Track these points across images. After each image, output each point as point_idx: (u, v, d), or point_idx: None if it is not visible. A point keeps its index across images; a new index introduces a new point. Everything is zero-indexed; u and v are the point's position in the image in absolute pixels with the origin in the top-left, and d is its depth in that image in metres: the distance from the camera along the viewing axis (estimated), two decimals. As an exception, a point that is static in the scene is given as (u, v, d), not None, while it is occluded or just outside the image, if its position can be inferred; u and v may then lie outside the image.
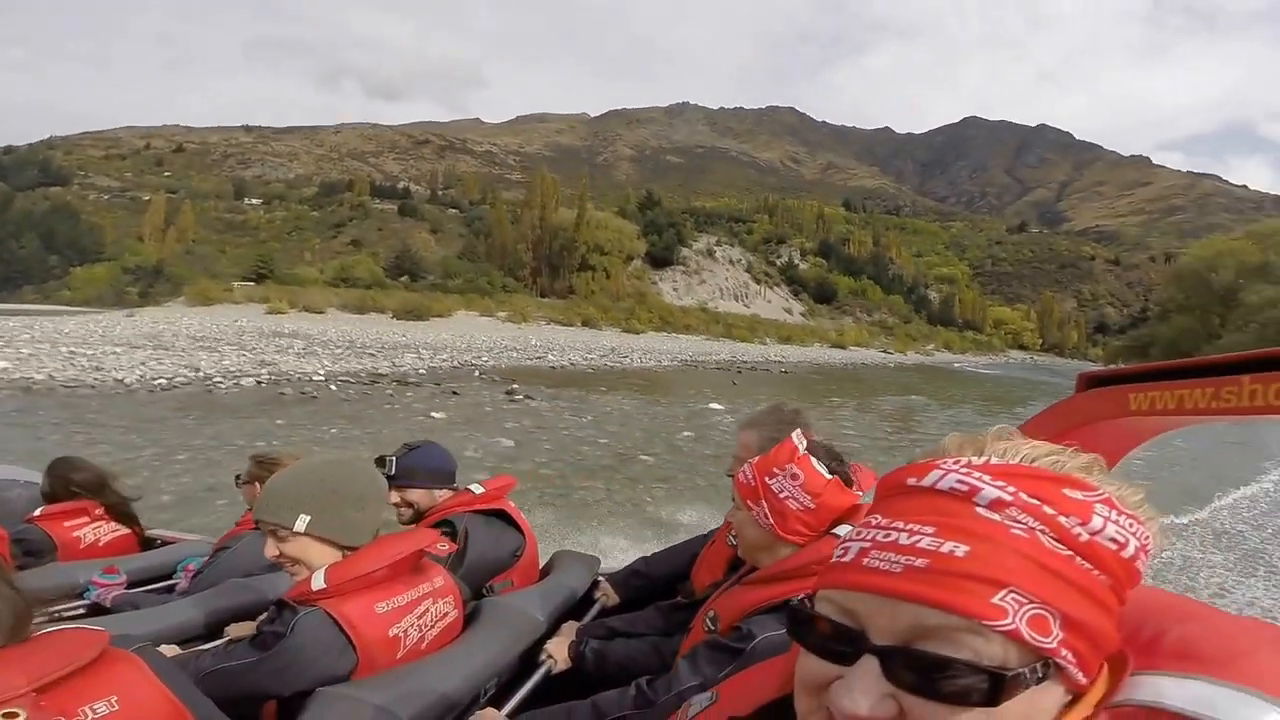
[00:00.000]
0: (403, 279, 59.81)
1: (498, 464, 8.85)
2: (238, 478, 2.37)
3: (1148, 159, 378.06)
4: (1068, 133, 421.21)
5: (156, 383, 14.00)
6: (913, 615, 0.45)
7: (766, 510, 1.23)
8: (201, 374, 15.43)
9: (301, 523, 1.32)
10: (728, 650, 1.20)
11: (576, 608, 1.98)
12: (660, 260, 73.60)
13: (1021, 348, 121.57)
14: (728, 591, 1.34)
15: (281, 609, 1.28)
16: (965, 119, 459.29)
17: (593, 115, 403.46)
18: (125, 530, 2.62)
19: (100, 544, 2.49)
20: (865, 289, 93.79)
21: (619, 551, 5.52)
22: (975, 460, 0.50)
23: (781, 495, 1.22)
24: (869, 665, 0.45)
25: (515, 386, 17.42)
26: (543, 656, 1.62)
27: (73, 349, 18.11)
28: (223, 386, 14.33)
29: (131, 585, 2.21)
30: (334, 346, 25.70)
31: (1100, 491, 0.47)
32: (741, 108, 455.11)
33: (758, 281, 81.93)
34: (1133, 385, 1.35)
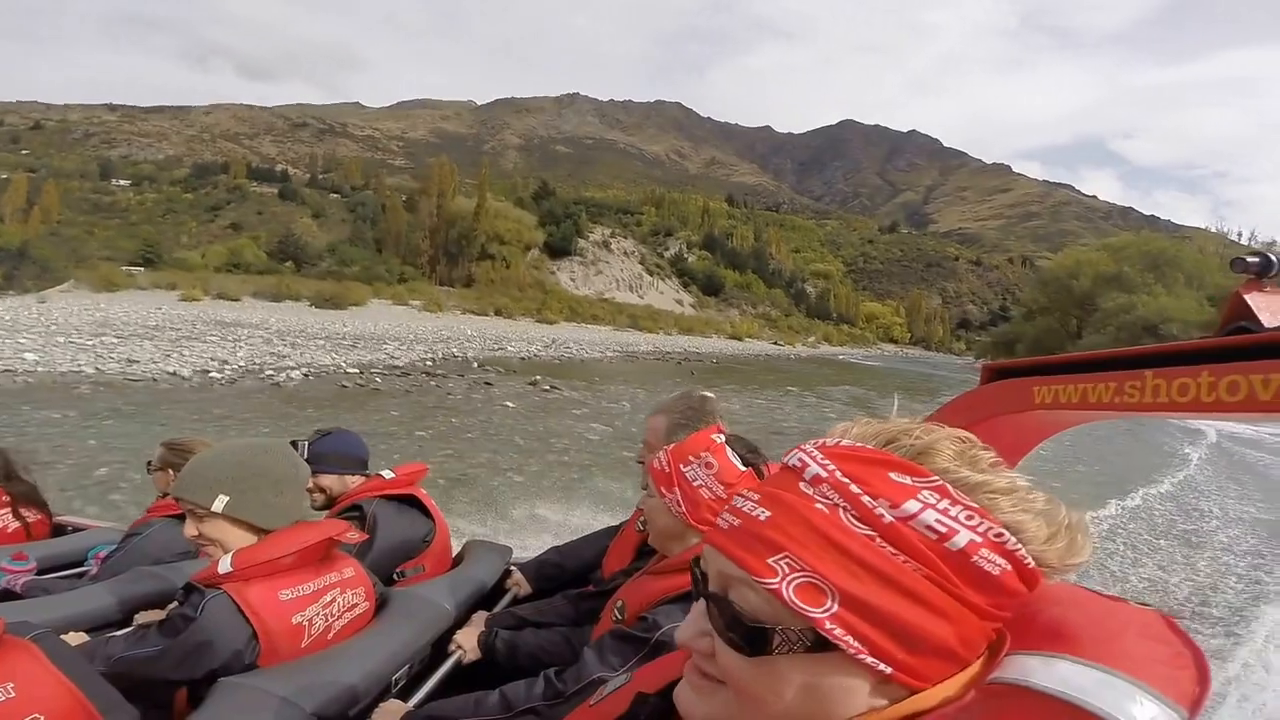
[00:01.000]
0: (287, 264, 61.13)
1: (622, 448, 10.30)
2: (149, 464, 2.34)
3: (1008, 167, 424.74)
4: (936, 139, 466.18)
5: (213, 375, 14.59)
6: (722, 565, 0.52)
7: (679, 497, 1.26)
8: (239, 367, 16.18)
9: (219, 503, 1.36)
10: (633, 640, 1.22)
11: (487, 597, 2.03)
12: (558, 251, 78.93)
13: (892, 341, 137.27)
14: (636, 581, 1.39)
15: (189, 592, 1.30)
16: (842, 121, 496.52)
17: (480, 103, 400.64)
18: (35, 516, 2.63)
19: (8, 530, 2.51)
20: (750, 283, 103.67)
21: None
22: (828, 442, 0.54)
23: (695, 483, 1.25)
24: (700, 606, 0.54)
25: (537, 378, 19.33)
26: (452, 647, 1.67)
27: (72, 339, 18.67)
28: (278, 379, 15.06)
29: (41, 572, 2.21)
30: (308, 338, 26.85)
31: (933, 479, 0.49)
32: (631, 101, 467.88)
33: (650, 273, 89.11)
34: (1037, 378, 1.47)
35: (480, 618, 1.81)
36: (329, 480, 2.09)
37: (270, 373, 15.79)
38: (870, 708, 0.49)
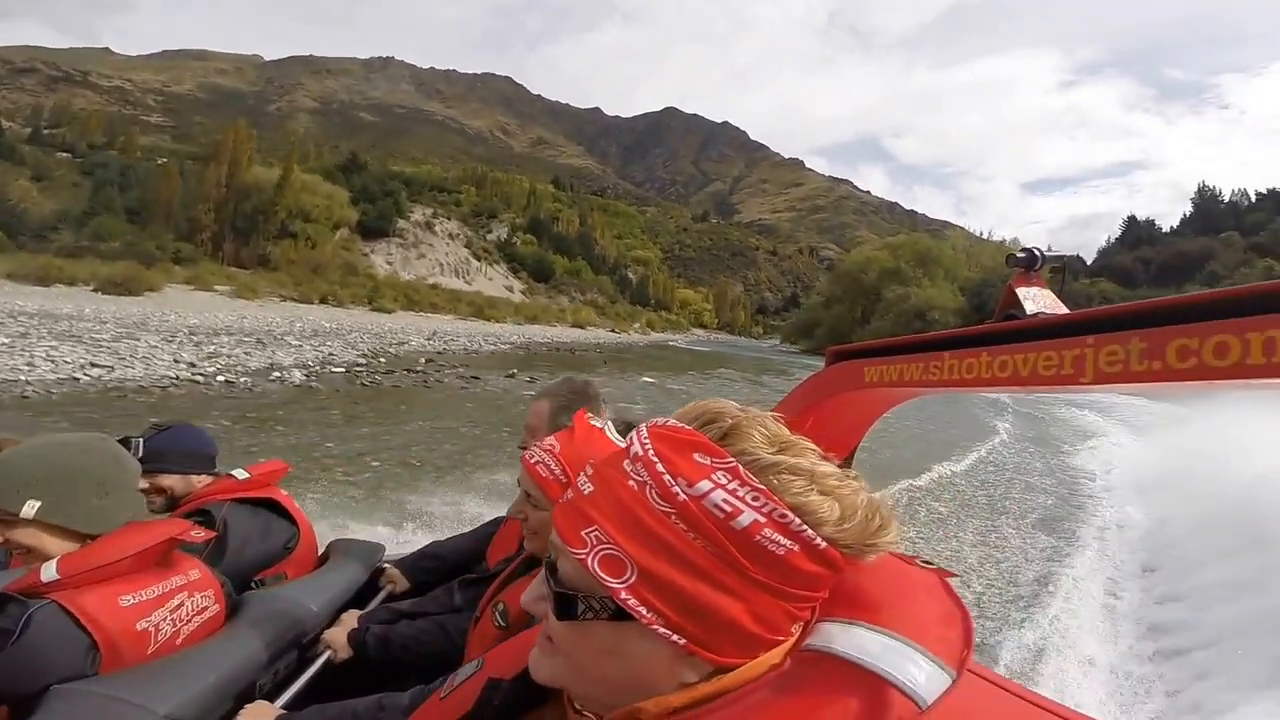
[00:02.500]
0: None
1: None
2: None
3: (801, 162, 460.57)
4: (744, 131, 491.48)
5: (221, 379, 13.47)
6: (553, 535, 0.55)
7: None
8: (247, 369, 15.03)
9: (30, 508, 1.22)
10: None
11: (359, 596, 1.95)
12: (373, 231, 71.44)
13: (702, 326, 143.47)
14: (517, 583, 1.32)
15: (6, 603, 1.16)
16: (666, 109, 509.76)
17: (268, 58, 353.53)
18: None
19: None
20: (579, 269, 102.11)
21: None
22: (659, 421, 0.57)
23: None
24: (543, 573, 0.57)
25: (514, 372, 20.13)
26: (320, 646, 1.60)
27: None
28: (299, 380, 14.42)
29: None
30: (186, 334, 22.19)
31: (728, 460, 0.51)
32: (454, 70, 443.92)
33: (478, 258, 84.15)
34: (867, 360, 1.63)
35: (352, 616, 1.70)
36: (171, 480, 1.86)
37: (277, 374, 14.36)
38: (682, 681, 0.53)
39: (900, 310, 62.51)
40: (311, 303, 47.57)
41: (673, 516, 0.50)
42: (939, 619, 0.54)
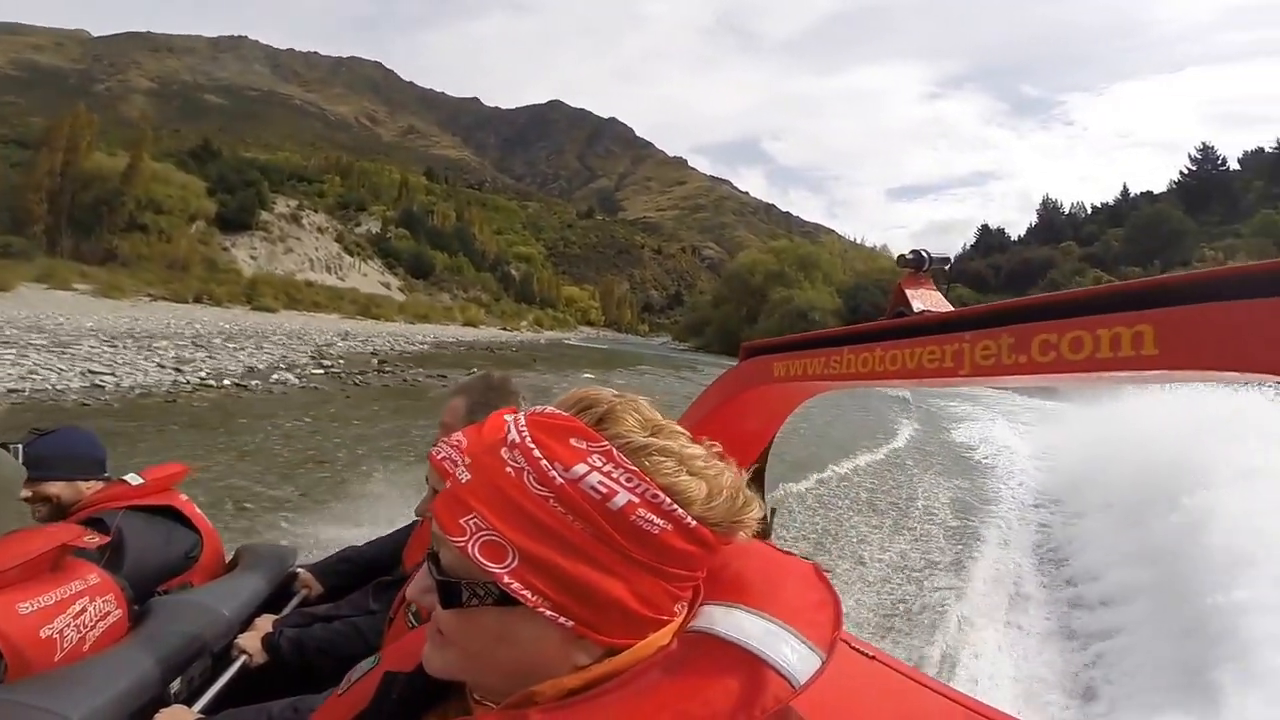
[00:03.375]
0: None
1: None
2: None
3: (685, 161, 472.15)
4: (630, 128, 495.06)
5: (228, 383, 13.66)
6: (434, 525, 0.57)
7: None
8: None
9: None
10: None
11: (272, 601, 1.95)
12: (234, 224, 68.40)
13: (589, 324, 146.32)
14: None
15: None
16: (551, 101, 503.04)
17: (96, 34, 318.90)
18: None
19: None
20: (461, 266, 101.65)
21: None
22: (537, 408, 0.61)
23: None
24: (426, 564, 0.60)
25: (475, 370, 20.68)
26: (235, 651, 1.60)
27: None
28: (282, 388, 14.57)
29: None
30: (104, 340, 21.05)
31: (603, 443, 0.55)
32: (316, 53, 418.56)
33: (350, 253, 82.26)
34: (776, 355, 1.73)
35: (265, 620, 1.73)
36: (57, 488, 1.82)
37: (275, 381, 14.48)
38: (575, 664, 0.55)
39: (784, 311, 68.78)
40: (186, 302, 45.83)
41: (551, 500, 0.53)
42: (812, 605, 0.58)
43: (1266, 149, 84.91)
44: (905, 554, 6.46)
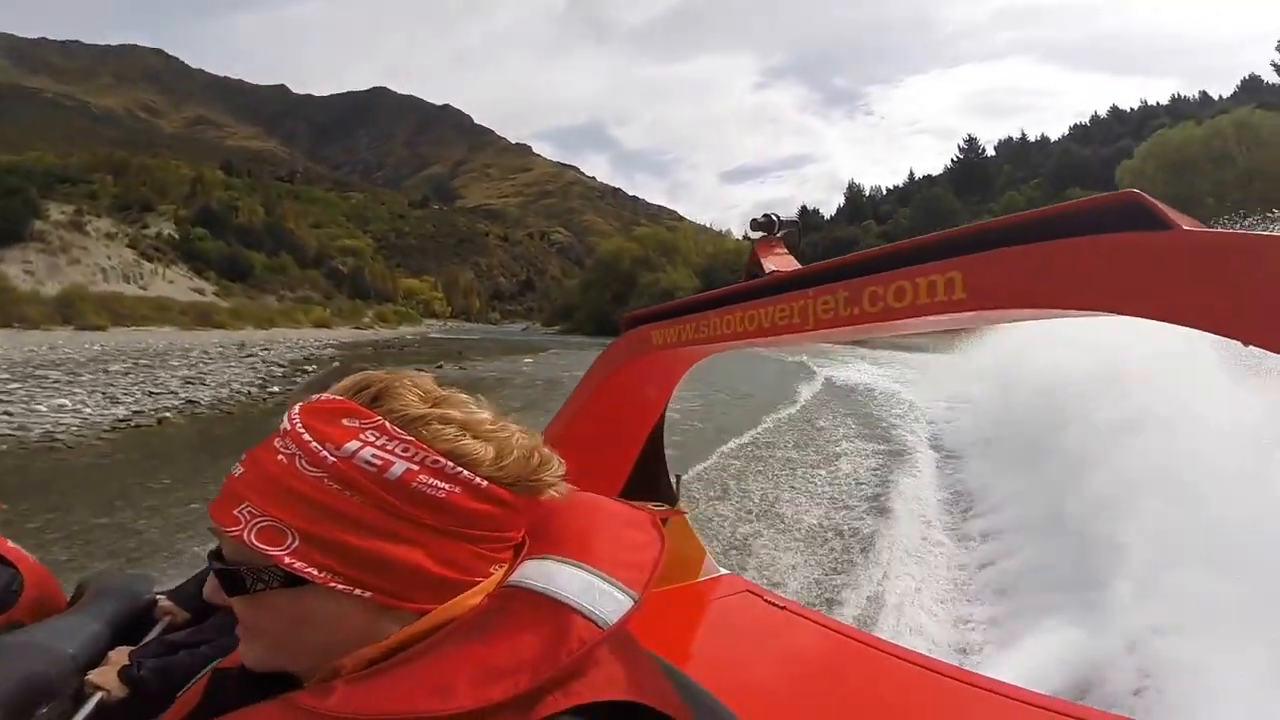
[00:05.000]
0: None
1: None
2: None
3: (529, 147, 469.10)
4: (468, 115, 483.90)
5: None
6: (210, 521, 0.60)
7: None
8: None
9: None
10: None
11: (126, 632, 1.82)
12: (3, 236, 62.74)
13: (434, 316, 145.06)
14: None
15: None
16: (374, 88, 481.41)
17: None
18: None
19: None
20: (285, 264, 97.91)
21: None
22: (313, 396, 0.64)
23: None
24: (209, 559, 0.64)
25: (441, 364, 25.27)
26: (88, 689, 1.52)
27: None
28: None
29: None
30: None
31: (375, 419, 0.59)
32: (77, 41, 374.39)
33: (148, 259, 77.43)
34: (653, 324, 1.86)
35: (120, 653, 1.64)
36: None
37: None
38: (386, 633, 0.58)
39: (652, 293, 76.37)
40: (11, 326, 42.61)
41: (325, 479, 0.57)
42: (628, 549, 0.64)
43: (1014, 138, 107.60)
44: (825, 506, 7.36)
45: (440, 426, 0.60)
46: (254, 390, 19.40)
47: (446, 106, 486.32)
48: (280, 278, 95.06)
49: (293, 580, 0.56)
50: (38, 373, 21.75)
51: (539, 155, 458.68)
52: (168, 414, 15.02)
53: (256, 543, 0.56)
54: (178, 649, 1.64)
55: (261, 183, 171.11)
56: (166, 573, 4.48)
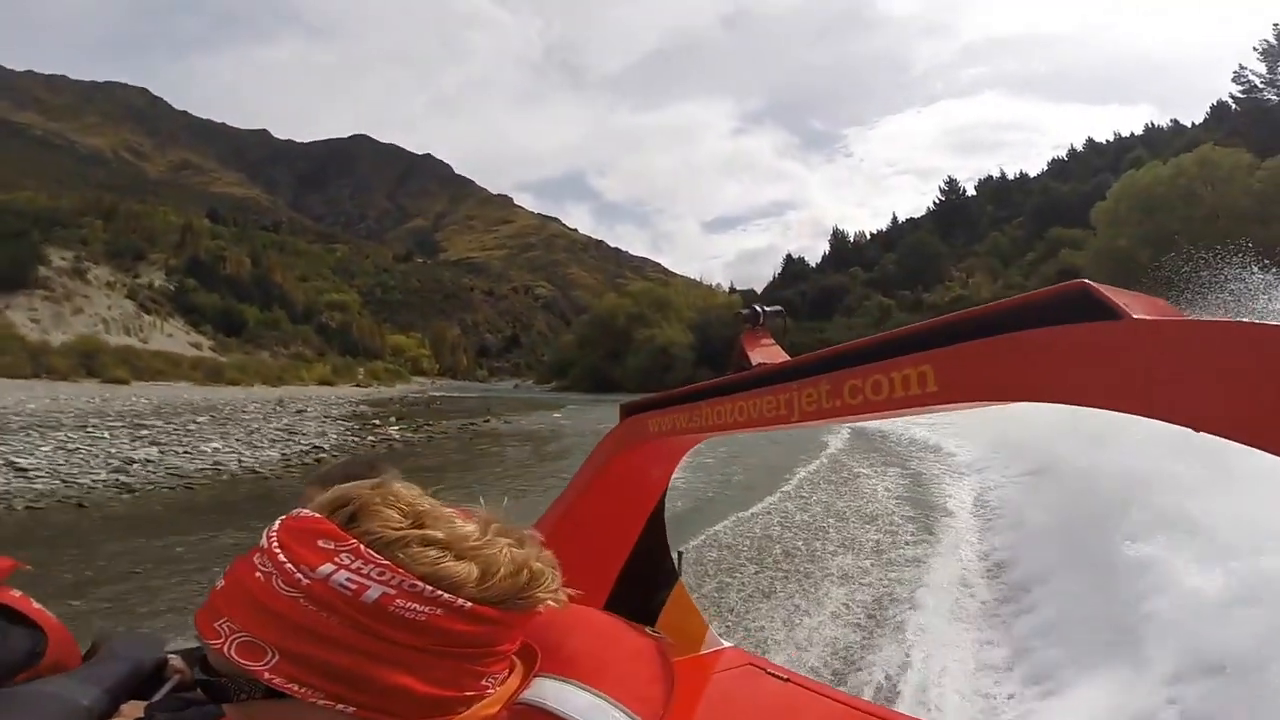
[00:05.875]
0: None
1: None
2: None
3: (510, 198, 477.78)
4: (448, 165, 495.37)
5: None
6: (195, 632, 0.64)
7: None
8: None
9: None
10: None
11: (138, 689, 1.85)
12: (7, 282, 63.81)
13: (422, 373, 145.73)
14: None
15: None
16: (355, 135, 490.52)
17: None
18: None
19: None
20: (279, 319, 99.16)
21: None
22: (295, 511, 0.68)
23: None
24: (197, 667, 0.66)
25: (489, 418, 30.46)
26: None
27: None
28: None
29: None
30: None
31: (349, 542, 0.62)
32: (64, 76, 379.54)
33: (147, 310, 78.54)
34: (649, 413, 1.98)
35: (134, 707, 1.69)
36: None
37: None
38: None
39: (649, 349, 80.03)
40: (40, 377, 43.63)
41: (301, 599, 0.60)
42: (644, 680, 0.69)
43: (994, 176, 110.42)
44: (843, 567, 7.13)
45: (420, 549, 0.62)
46: (354, 440, 23.44)
47: (427, 155, 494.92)
48: (274, 333, 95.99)
49: (274, 693, 0.59)
50: (145, 422, 24.95)
51: (520, 206, 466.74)
52: (321, 453, 18.72)
53: (236, 656, 0.60)
54: (189, 705, 1.77)
55: (248, 232, 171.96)
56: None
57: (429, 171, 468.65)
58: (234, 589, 0.64)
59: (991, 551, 7.40)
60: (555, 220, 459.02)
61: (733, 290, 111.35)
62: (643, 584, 2.33)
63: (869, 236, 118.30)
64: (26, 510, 11.14)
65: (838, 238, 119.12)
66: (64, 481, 13.20)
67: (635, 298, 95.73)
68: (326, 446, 20.33)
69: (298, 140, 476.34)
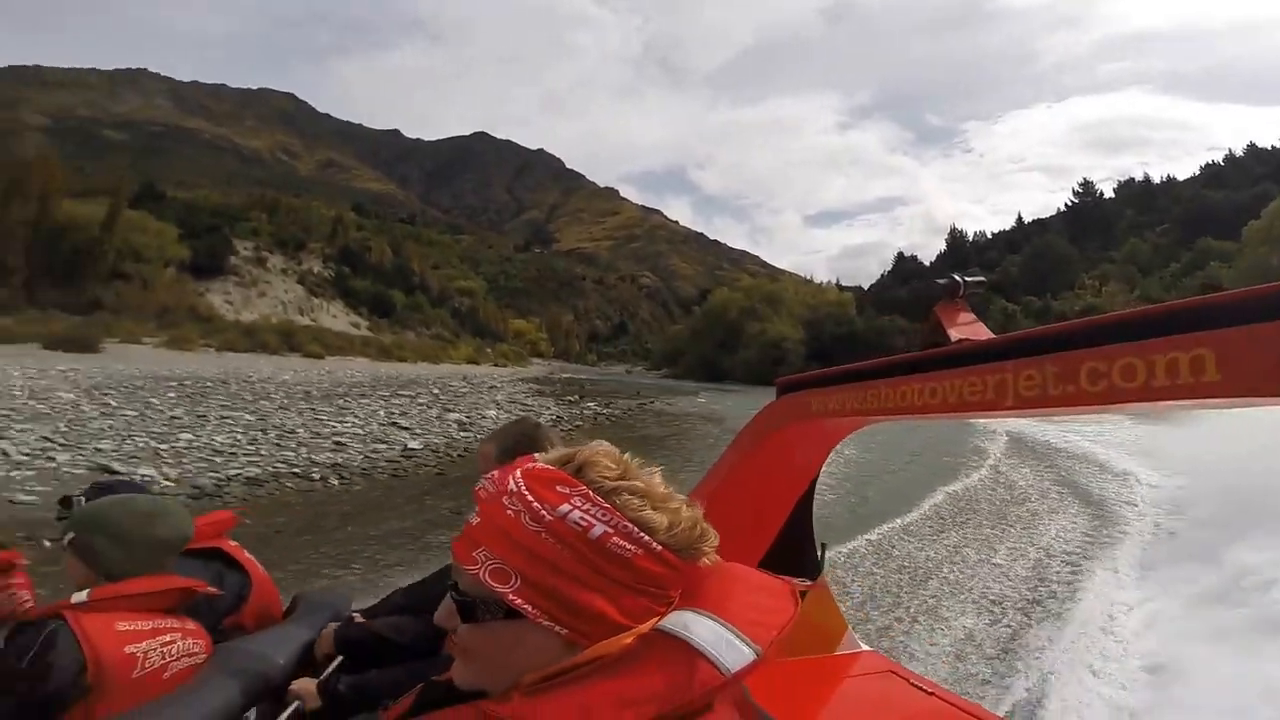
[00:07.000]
0: None
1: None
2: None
3: (616, 190, 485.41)
4: (560, 159, 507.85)
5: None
6: (452, 558, 0.78)
7: None
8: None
9: (67, 539, 1.63)
10: None
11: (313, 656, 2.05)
12: (206, 269, 72.35)
13: (539, 356, 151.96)
14: None
15: (27, 627, 1.48)
16: (476, 133, 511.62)
17: None
18: None
19: None
20: (420, 303, 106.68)
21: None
22: (527, 465, 0.80)
23: None
24: (450, 590, 0.78)
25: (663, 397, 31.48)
26: (289, 697, 1.74)
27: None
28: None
29: None
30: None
31: (580, 487, 0.74)
32: (224, 85, 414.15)
33: (313, 294, 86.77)
34: (812, 390, 1.77)
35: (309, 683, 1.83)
36: None
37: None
38: (558, 662, 0.72)
39: (760, 342, 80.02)
40: (245, 351, 48.71)
41: (543, 534, 0.72)
42: (764, 610, 0.75)
43: (1135, 179, 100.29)
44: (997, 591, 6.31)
45: (629, 497, 0.74)
46: (570, 412, 26.21)
47: (540, 150, 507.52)
48: (417, 315, 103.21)
49: (511, 614, 0.72)
50: (400, 391, 28.78)
51: (625, 199, 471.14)
52: (562, 420, 22.32)
53: (489, 581, 0.71)
54: (369, 634, 1.95)
55: (387, 224, 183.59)
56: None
57: (542, 165, 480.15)
58: (489, 524, 0.75)
59: None
60: (658, 212, 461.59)
61: (841, 287, 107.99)
62: (784, 573, 2.27)
63: (989, 236, 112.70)
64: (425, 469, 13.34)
65: (955, 236, 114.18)
66: (439, 439, 16.27)
67: (747, 292, 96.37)
68: (564, 416, 23.94)
69: (425, 139, 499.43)
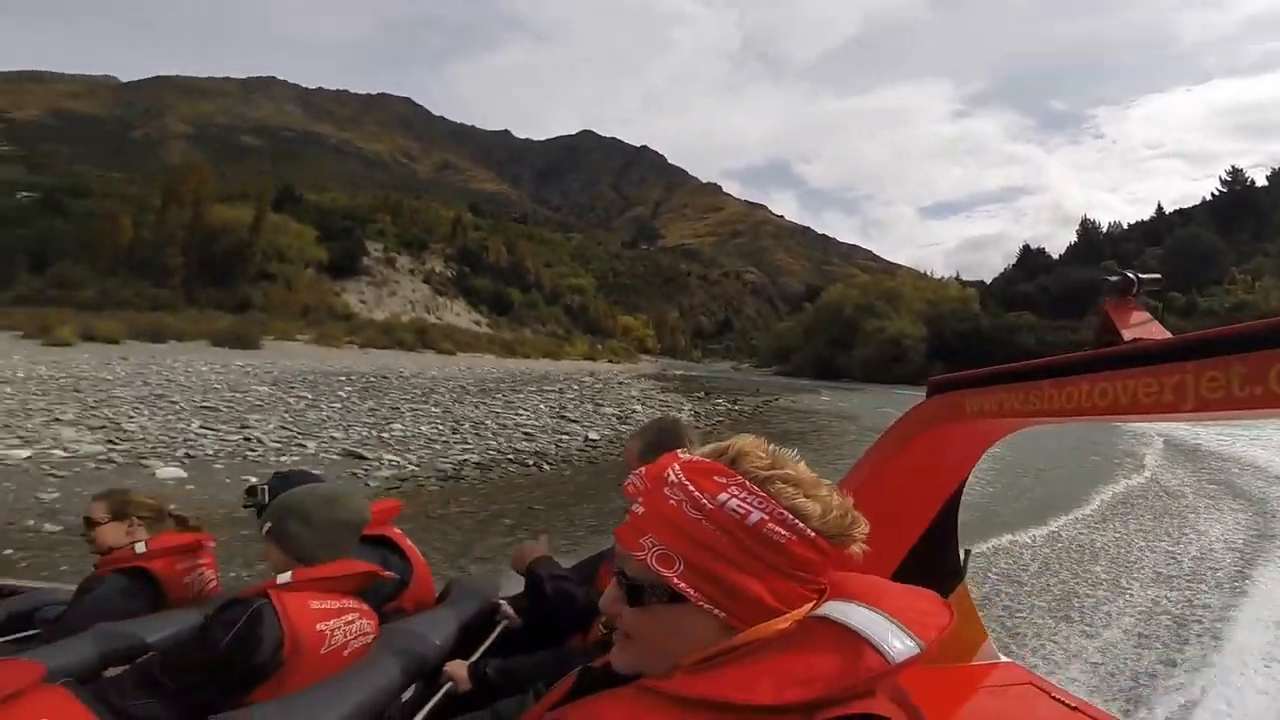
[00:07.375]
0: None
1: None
2: (89, 520, 2.36)
3: (719, 186, 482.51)
4: (663, 156, 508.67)
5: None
6: (618, 546, 0.82)
7: None
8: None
9: (266, 526, 1.77)
10: None
11: (477, 631, 2.21)
12: (342, 269, 76.01)
13: (646, 353, 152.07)
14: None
15: (235, 603, 1.61)
16: (582, 132, 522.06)
17: (124, 80, 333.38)
18: None
19: None
20: (535, 301, 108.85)
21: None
22: (685, 456, 0.85)
23: None
24: (617, 576, 0.83)
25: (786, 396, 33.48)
26: (442, 678, 1.84)
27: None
28: None
29: None
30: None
31: (737, 477, 0.78)
32: (346, 91, 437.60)
33: (439, 293, 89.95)
34: (966, 390, 1.71)
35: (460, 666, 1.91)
36: None
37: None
38: (716, 644, 0.76)
39: (879, 340, 77.12)
40: (384, 348, 50.04)
41: (703, 521, 0.76)
42: (921, 609, 0.77)
43: None
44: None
45: (782, 485, 0.77)
46: (714, 409, 26.06)
47: (644, 147, 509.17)
48: (532, 312, 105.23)
49: (675, 598, 0.75)
50: (544, 388, 29.51)
51: (729, 194, 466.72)
52: (712, 417, 22.59)
53: (656, 565, 0.75)
54: (517, 652, 1.97)
55: (501, 224, 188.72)
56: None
57: (647, 162, 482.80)
58: (653, 512, 0.79)
59: None
60: (762, 207, 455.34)
61: (963, 282, 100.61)
62: (925, 576, 1.96)
63: (1125, 227, 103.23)
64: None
65: (1087, 227, 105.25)
66: (607, 431, 16.86)
67: (864, 289, 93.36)
68: (701, 412, 23.90)
69: (534, 139, 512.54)
